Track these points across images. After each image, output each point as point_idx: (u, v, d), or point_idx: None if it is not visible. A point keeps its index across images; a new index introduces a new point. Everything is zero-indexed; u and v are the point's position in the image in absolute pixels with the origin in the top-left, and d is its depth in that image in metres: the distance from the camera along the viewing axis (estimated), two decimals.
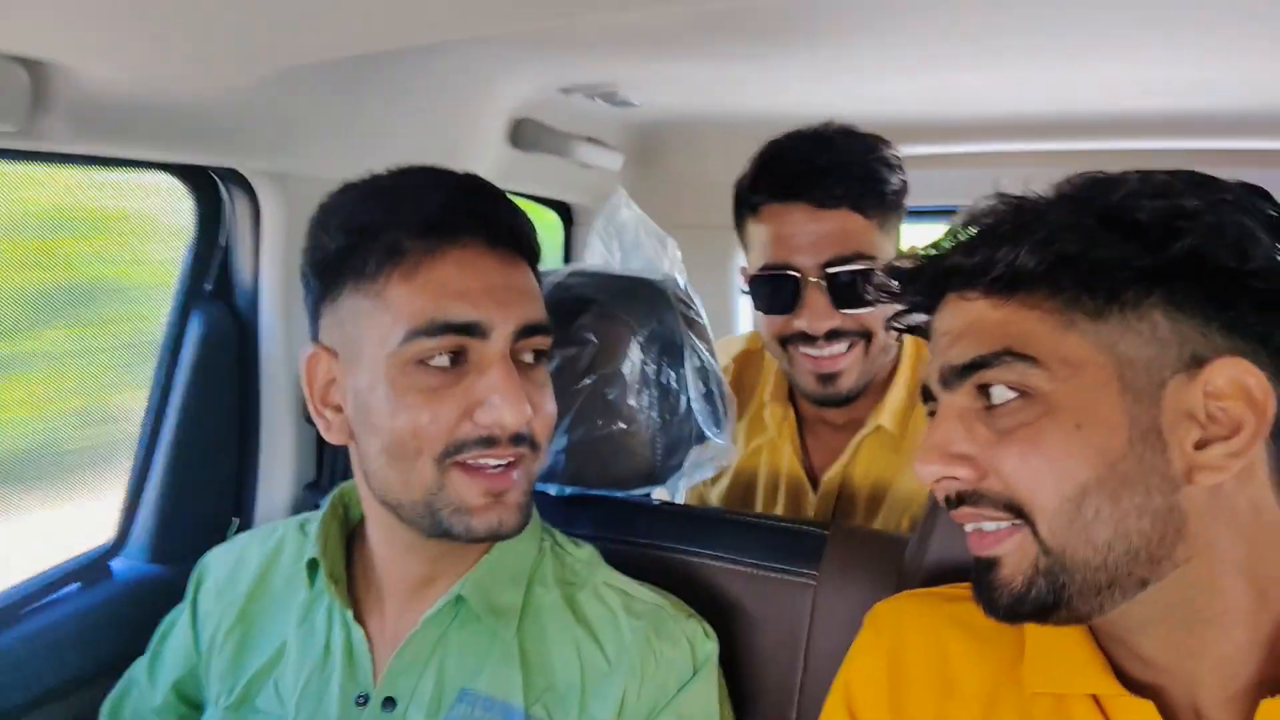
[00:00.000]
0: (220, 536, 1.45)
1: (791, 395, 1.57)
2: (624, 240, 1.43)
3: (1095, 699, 0.76)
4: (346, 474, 1.54)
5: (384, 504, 0.95)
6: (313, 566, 1.03)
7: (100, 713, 1.13)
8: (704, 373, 1.29)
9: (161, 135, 1.16)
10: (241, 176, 1.35)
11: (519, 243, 0.96)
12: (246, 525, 1.50)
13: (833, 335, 1.36)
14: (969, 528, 0.75)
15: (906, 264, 0.80)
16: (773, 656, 1.13)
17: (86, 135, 1.07)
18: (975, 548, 0.75)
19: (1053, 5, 1.24)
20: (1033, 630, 0.81)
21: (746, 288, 1.47)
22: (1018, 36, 1.40)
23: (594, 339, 1.21)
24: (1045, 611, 0.72)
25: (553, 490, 1.30)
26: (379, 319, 0.90)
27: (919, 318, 0.83)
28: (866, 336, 1.38)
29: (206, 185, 1.37)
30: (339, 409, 0.96)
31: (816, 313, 1.35)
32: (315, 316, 0.97)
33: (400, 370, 0.89)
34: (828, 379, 1.39)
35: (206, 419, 1.44)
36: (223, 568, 1.12)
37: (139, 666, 1.14)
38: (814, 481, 1.53)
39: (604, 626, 0.99)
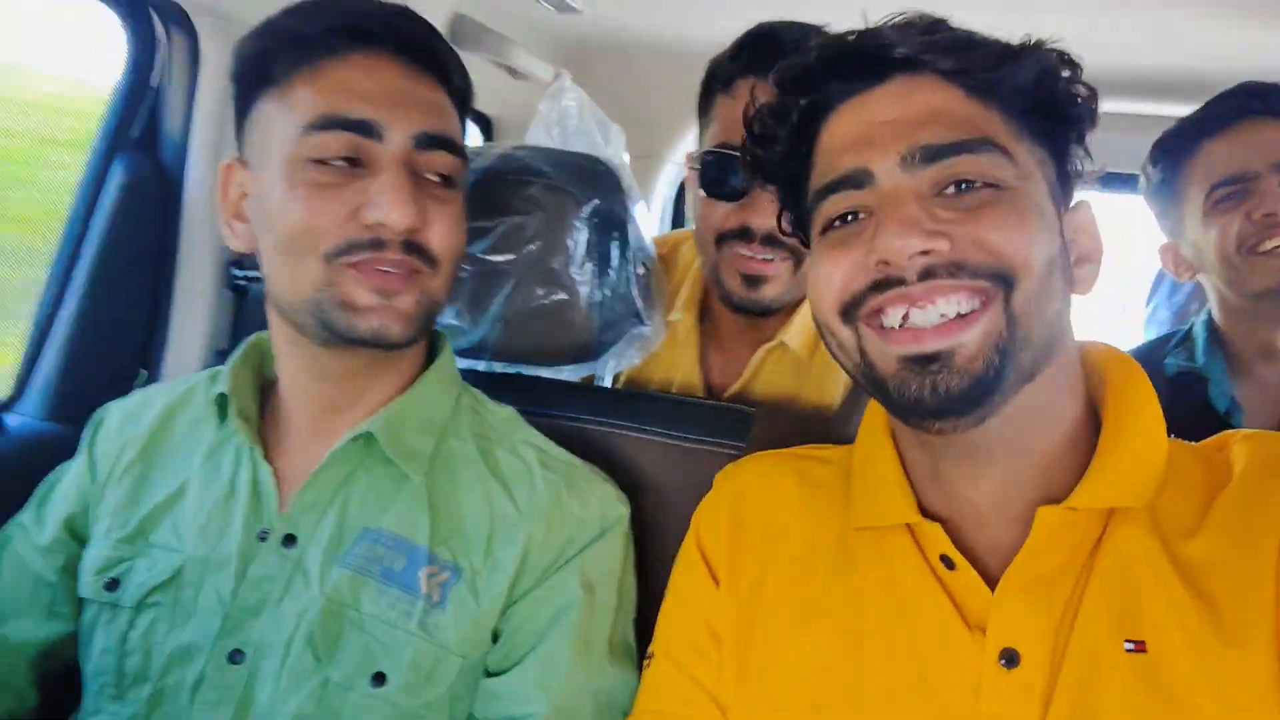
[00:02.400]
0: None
1: (703, 306, 1.51)
2: (566, 127, 1.43)
3: (909, 528, 0.83)
4: None
5: (280, 312, 0.97)
6: (222, 404, 1.02)
7: None
8: (643, 255, 1.32)
9: None
10: (182, 13, 1.30)
11: (431, 61, 0.96)
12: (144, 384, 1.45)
13: (769, 241, 1.29)
14: (918, 321, 0.73)
15: (885, 34, 0.79)
16: None
17: None
18: (929, 341, 0.73)
19: None
20: (858, 473, 0.90)
21: (694, 167, 1.37)
22: None
23: (539, 208, 1.21)
24: (983, 397, 0.73)
25: (481, 367, 1.30)
26: (284, 119, 0.92)
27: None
28: (798, 258, 1.31)
29: (143, 19, 1.31)
30: (245, 220, 0.98)
31: (765, 208, 1.25)
32: (239, 133, 0.99)
33: (298, 166, 0.91)
34: (754, 281, 1.32)
35: (120, 274, 1.38)
36: (123, 411, 1.10)
37: (23, 514, 1.09)
38: (712, 397, 1.49)
39: (517, 479, 1.01)
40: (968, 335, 0.72)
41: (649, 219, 1.36)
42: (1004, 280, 0.73)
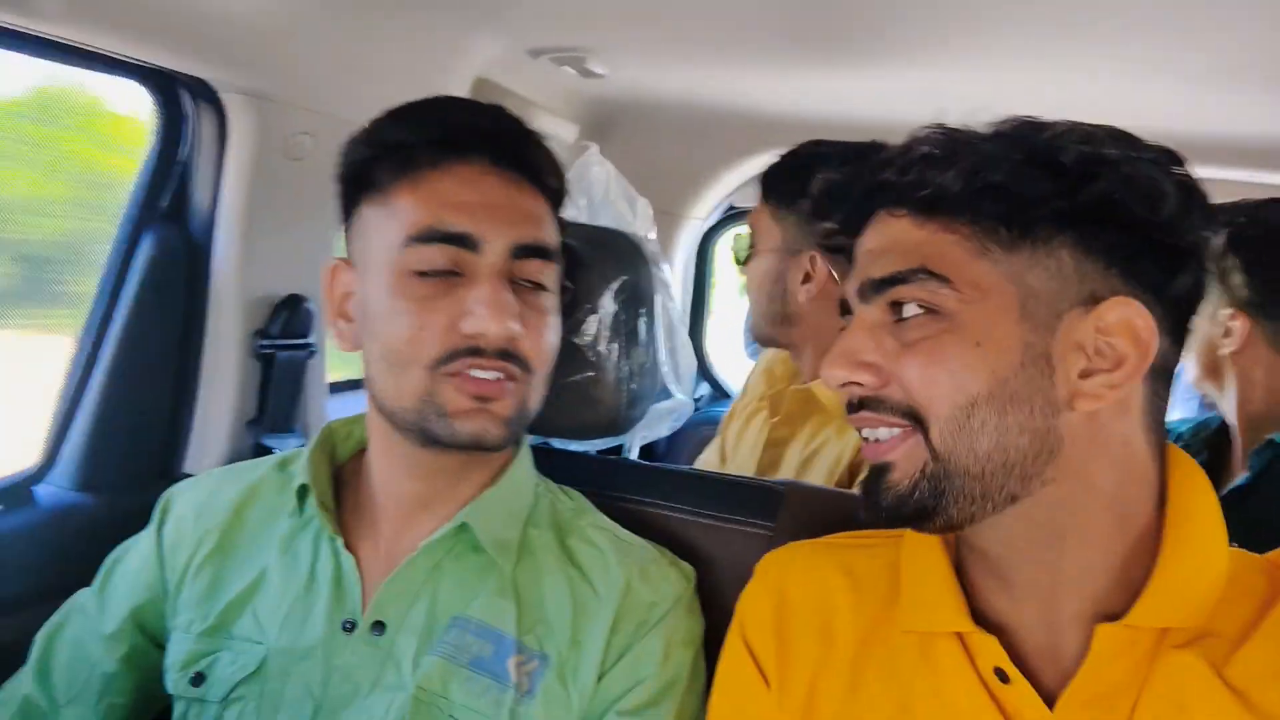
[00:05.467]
0: (154, 467, 1.39)
1: None
2: (593, 197, 1.43)
3: (959, 636, 0.80)
4: (289, 414, 1.52)
5: (382, 412, 0.98)
6: (301, 493, 1.02)
7: (35, 640, 1.07)
8: (671, 328, 1.31)
9: (135, 29, 1.11)
10: (210, 90, 1.31)
11: (527, 167, 0.98)
12: (181, 458, 1.44)
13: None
14: (866, 435, 0.78)
15: (841, 178, 0.84)
16: (730, 602, 1.14)
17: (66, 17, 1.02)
18: (869, 455, 0.78)
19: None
20: (906, 572, 0.87)
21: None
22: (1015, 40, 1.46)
23: (568, 284, 1.21)
24: (924, 515, 0.75)
25: None
26: (386, 226, 0.94)
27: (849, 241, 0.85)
28: None
29: (171, 96, 1.33)
30: (351, 320, 1.00)
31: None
32: (345, 233, 1.02)
33: (399, 278, 0.93)
34: None
35: (149, 345, 1.38)
36: (194, 499, 1.09)
37: (85, 595, 1.09)
38: None
39: (594, 565, 1.01)
40: (894, 456, 0.76)
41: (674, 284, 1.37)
42: (916, 419, 0.75)
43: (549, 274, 0.99)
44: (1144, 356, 0.73)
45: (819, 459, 1.53)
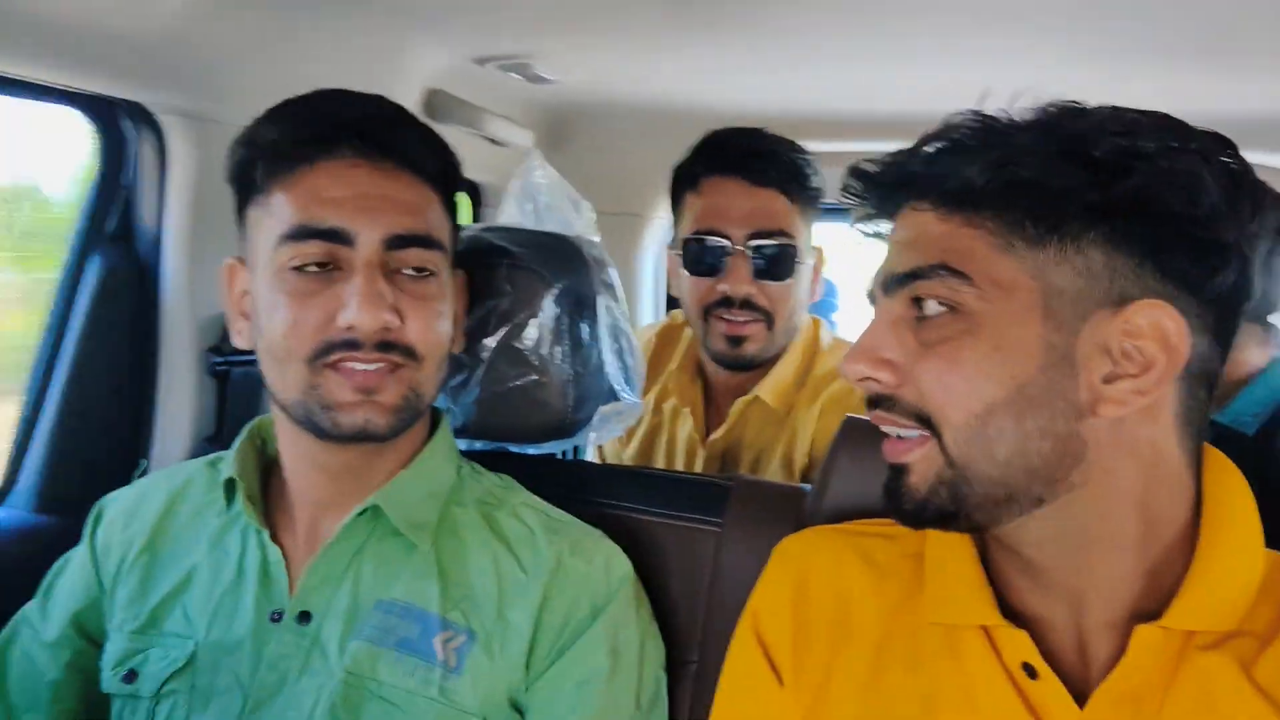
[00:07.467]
0: (114, 487, 1.39)
1: (700, 369, 1.70)
2: (538, 203, 1.44)
3: (985, 629, 0.79)
4: None
5: (277, 405, 1.00)
6: (229, 488, 1.04)
7: None
8: (615, 330, 1.32)
9: (70, 57, 1.12)
10: (148, 113, 1.32)
11: (400, 155, 0.97)
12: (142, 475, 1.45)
13: (746, 305, 1.51)
14: (888, 431, 0.77)
15: (871, 167, 0.81)
16: (680, 599, 1.16)
17: None
18: (888, 454, 0.77)
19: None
20: (931, 563, 0.85)
21: (680, 257, 1.59)
22: (933, 37, 1.48)
23: (508, 289, 1.22)
24: (946, 519, 0.75)
25: (462, 445, 1.31)
26: (266, 225, 0.96)
27: (882, 226, 0.82)
28: (770, 320, 1.53)
29: (110, 120, 1.34)
30: (248, 317, 1.01)
31: (738, 278, 1.50)
32: (240, 232, 1.03)
33: (277, 275, 0.94)
34: (736, 341, 1.54)
35: (103, 367, 1.40)
36: (124, 504, 1.11)
37: (30, 608, 1.10)
38: (705, 443, 1.66)
39: (521, 542, 1.03)
40: (911, 458, 0.75)
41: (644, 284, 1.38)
42: (929, 425, 0.73)
43: (434, 261, 0.99)
44: (1174, 362, 0.69)
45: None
